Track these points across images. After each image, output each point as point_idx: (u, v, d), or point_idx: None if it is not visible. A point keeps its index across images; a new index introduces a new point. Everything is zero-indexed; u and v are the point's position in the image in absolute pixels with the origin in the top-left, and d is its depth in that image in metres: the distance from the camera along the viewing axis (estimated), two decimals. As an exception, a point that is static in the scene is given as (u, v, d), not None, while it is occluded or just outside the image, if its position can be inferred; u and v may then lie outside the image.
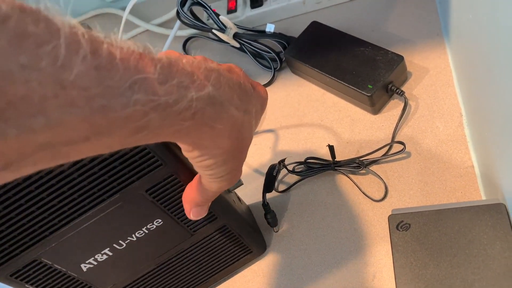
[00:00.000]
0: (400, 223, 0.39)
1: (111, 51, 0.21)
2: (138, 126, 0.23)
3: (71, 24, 0.20)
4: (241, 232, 0.47)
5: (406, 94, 0.54)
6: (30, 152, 0.19)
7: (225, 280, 0.52)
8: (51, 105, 0.18)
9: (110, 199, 0.36)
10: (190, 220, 0.42)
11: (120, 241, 0.40)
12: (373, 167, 0.52)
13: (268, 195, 0.53)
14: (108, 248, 0.40)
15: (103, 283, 0.44)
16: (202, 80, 0.27)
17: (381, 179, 0.51)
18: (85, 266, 0.41)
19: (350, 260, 0.48)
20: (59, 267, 0.40)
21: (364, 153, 0.53)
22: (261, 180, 0.57)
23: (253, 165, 0.59)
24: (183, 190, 0.38)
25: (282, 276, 0.50)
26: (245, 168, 0.59)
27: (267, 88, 0.65)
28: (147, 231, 0.41)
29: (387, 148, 0.53)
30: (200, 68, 0.28)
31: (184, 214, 0.40)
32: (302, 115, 0.60)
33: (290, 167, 0.55)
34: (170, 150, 0.36)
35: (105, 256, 0.41)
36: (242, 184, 0.47)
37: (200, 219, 0.43)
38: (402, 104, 0.55)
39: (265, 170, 0.57)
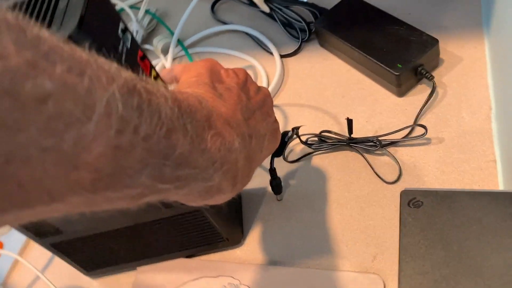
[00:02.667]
0: (413, 200, 0.36)
1: (137, 129, 0.19)
2: (132, 199, 0.21)
3: (112, 89, 0.17)
4: (216, 220, 0.45)
5: (435, 80, 0.52)
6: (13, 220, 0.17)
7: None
8: (58, 185, 0.17)
9: None
10: None
11: None
12: (390, 149, 0.50)
13: (277, 164, 0.51)
14: None
15: (67, 227, 0.43)
16: (216, 163, 0.24)
17: (397, 161, 0.49)
18: None
19: (352, 239, 0.46)
20: None
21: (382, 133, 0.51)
22: (272, 147, 0.55)
23: (266, 132, 0.57)
24: None
25: (278, 245, 0.48)
26: (257, 134, 0.57)
27: (292, 58, 0.63)
28: None
29: (407, 131, 0.50)
30: (224, 142, 0.25)
31: None
32: (324, 88, 0.58)
33: (304, 138, 0.53)
34: None
35: None
36: None
37: None
38: (429, 90, 0.52)
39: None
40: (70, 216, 0.41)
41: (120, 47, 0.32)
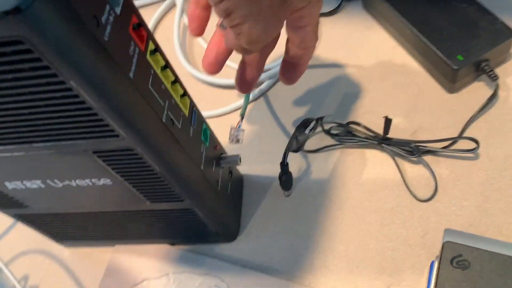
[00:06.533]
0: (457, 257, 0.29)
1: None
2: None
3: None
4: (209, 219, 0.38)
5: (499, 81, 0.42)
6: None
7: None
8: None
9: (44, 144, 0.27)
10: (149, 191, 0.33)
11: (55, 180, 0.32)
12: (428, 158, 0.42)
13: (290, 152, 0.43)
14: (40, 181, 0.32)
15: (32, 203, 0.36)
16: None
17: (434, 175, 0.41)
18: (10, 185, 0.33)
19: (365, 260, 0.39)
20: None
21: (423, 138, 0.42)
22: (283, 133, 0.47)
23: (279, 112, 0.48)
24: (142, 163, 0.29)
25: (279, 249, 0.41)
26: (264, 113, 0.48)
27: (327, 18, 0.52)
28: (91, 184, 0.32)
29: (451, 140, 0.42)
30: None
31: (142, 183, 0.32)
32: (360, 64, 0.48)
33: (326, 127, 0.45)
34: (132, 122, 0.26)
35: (35, 186, 0.32)
36: (239, 163, 0.38)
37: (162, 196, 0.34)
38: (489, 91, 0.43)
39: (291, 122, 0.47)
40: (35, 193, 0.34)
41: (105, 17, 0.22)
